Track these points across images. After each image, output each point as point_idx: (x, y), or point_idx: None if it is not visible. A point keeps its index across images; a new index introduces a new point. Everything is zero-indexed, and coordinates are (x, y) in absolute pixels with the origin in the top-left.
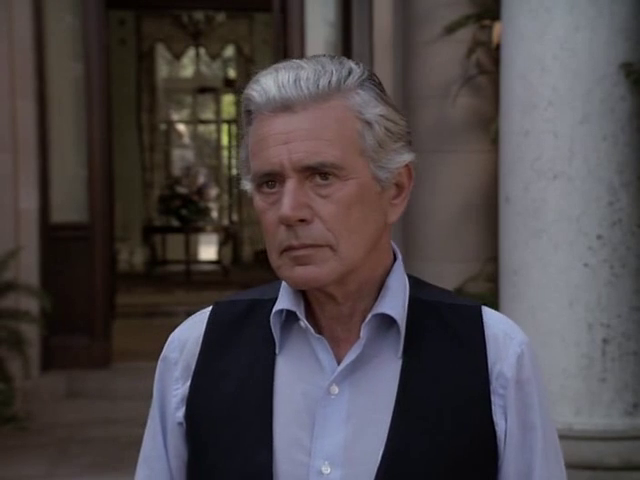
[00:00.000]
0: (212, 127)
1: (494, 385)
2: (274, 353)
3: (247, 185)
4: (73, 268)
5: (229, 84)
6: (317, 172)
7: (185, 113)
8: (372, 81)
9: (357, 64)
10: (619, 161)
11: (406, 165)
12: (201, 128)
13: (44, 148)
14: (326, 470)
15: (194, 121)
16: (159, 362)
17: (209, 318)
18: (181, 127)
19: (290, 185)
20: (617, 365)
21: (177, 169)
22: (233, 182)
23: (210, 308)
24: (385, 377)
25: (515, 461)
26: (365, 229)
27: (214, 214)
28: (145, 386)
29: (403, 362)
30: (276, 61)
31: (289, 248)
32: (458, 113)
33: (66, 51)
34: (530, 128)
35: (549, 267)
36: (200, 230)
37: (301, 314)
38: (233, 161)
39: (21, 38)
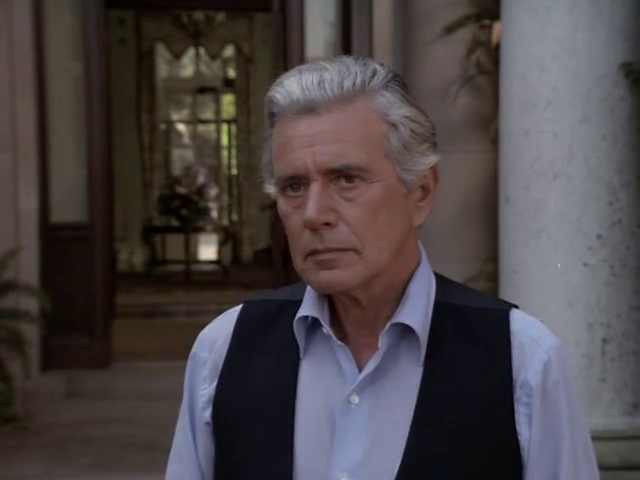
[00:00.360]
0: (212, 127)
1: (518, 394)
2: (299, 357)
3: (271, 189)
4: (73, 268)
5: (229, 84)
6: (342, 175)
7: (185, 113)
8: (397, 82)
9: (381, 65)
10: (619, 161)
11: (431, 167)
12: (201, 128)
13: (44, 148)
14: None
15: (194, 121)
16: (189, 359)
17: (238, 317)
18: (181, 127)
19: (315, 188)
20: (617, 365)
21: (177, 169)
22: (233, 182)
23: (240, 307)
24: (406, 386)
25: (540, 470)
26: (391, 232)
27: (214, 214)
28: (145, 386)
29: (424, 371)
30: (276, 61)
31: (314, 252)
32: (458, 113)
33: (66, 51)
34: (530, 128)
35: (549, 267)
36: (200, 230)
37: (324, 321)
38: (233, 161)
39: (21, 38)
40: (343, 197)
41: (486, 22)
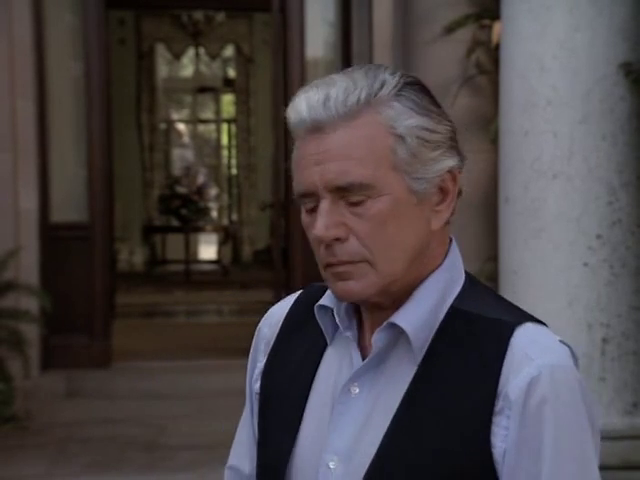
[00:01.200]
0: (212, 127)
1: (501, 405)
2: (326, 344)
3: None
4: (73, 268)
5: (229, 84)
6: (349, 191)
7: (185, 113)
8: (412, 89)
9: (393, 74)
10: (618, 161)
11: (449, 170)
12: (201, 128)
13: (44, 148)
14: (333, 465)
15: (194, 121)
16: (256, 332)
17: (295, 299)
18: (181, 127)
19: (324, 205)
20: (616, 365)
21: (177, 169)
22: (233, 182)
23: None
24: (399, 383)
25: None
26: (405, 241)
27: (214, 214)
28: (145, 386)
29: (416, 372)
30: (276, 61)
31: (329, 265)
32: (458, 113)
33: (66, 51)
34: (529, 128)
35: (549, 267)
36: (200, 230)
37: (338, 312)
38: (233, 161)
39: (21, 38)
40: (352, 212)
41: (486, 22)
